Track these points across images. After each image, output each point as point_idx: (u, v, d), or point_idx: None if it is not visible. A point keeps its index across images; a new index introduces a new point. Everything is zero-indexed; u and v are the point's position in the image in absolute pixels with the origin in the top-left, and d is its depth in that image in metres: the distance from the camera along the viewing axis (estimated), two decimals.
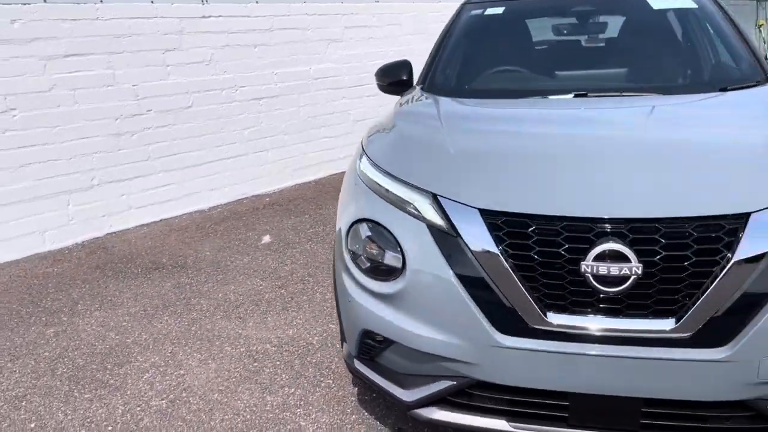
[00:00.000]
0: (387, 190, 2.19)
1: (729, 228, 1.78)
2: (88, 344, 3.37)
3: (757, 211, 1.80)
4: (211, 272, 4.26)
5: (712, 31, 3.15)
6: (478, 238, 1.91)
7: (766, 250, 1.75)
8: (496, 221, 1.91)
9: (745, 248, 1.75)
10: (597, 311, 1.83)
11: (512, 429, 1.98)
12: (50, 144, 4.83)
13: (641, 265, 1.77)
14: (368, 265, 2.16)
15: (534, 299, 1.85)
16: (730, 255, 1.75)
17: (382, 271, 2.11)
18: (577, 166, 2.05)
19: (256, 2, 6.05)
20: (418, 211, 2.06)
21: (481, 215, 1.94)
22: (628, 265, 1.77)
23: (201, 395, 2.84)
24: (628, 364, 1.80)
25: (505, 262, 1.86)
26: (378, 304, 2.11)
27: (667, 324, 1.78)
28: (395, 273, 2.06)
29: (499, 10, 3.46)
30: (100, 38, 5.01)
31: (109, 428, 2.63)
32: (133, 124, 5.25)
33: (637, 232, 1.80)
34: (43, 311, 3.82)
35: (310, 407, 2.70)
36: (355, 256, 2.21)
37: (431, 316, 1.98)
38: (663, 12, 3.28)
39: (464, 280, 1.92)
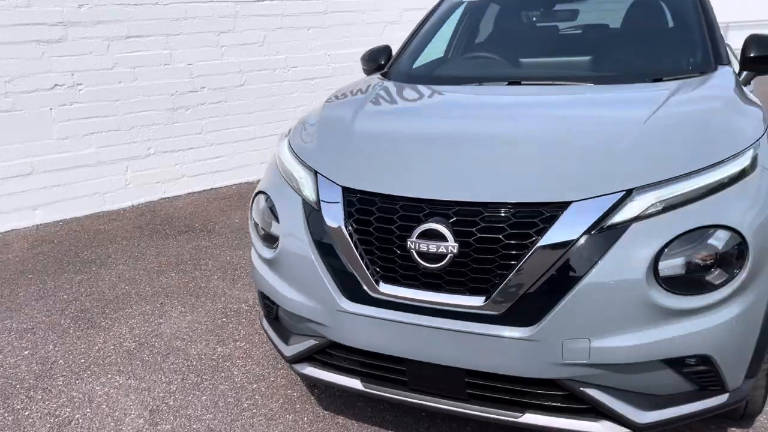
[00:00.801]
0: (284, 167, 2.43)
1: (547, 215, 1.87)
2: (100, 292, 3.87)
3: (579, 200, 1.87)
4: (230, 238, 4.67)
5: (675, 19, 3.08)
6: (332, 212, 2.12)
7: (572, 238, 1.82)
8: (352, 198, 2.11)
9: (554, 234, 1.83)
10: (421, 284, 1.98)
11: (364, 389, 2.18)
12: (112, 116, 5.43)
13: (457, 244, 1.90)
14: (263, 233, 2.42)
15: (370, 270, 2.03)
16: (538, 240, 1.84)
17: (269, 239, 2.37)
18: (434, 152, 2.19)
19: None
20: (299, 186, 2.29)
21: (343, 192, 2.14)
22: (445, 243, 1.91)
23: (166, 341, 3.23)
24: (446, 335, 1.94)
25: (347, 235, 2.06)
26: (266, 269, 2.37)
27: (478, 301, 1.91)
28: (276, 241, 2.31)
29: None
30: (159, 21, 5.53)
31: (82, 360, 3.08)
32: (188, 100, 5.76)
33: (461, 214, 1.94)
34: (79, 261, 4.38)
35: (249, 360, 3.01)
36: (256, 225, 2.48)
37: (296, 282, 2.21)
38: (636, 3, 3.24)
39: (319, 249, 2.13)
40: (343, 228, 2.07)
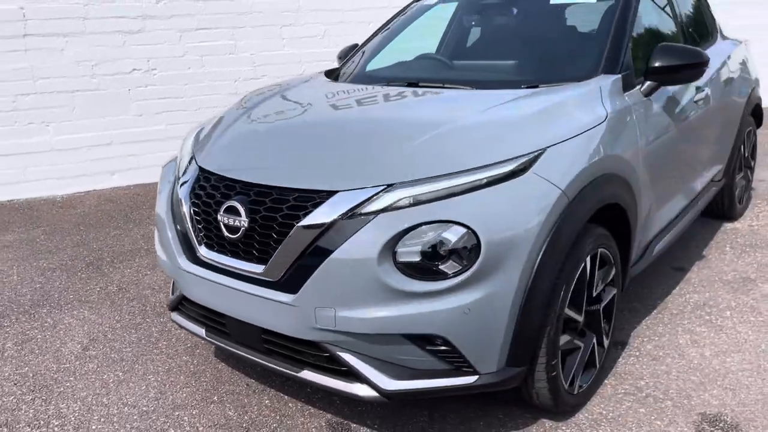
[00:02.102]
0: (181, 148, 2.93)
1: (318, 200, 2.20)
2: (120, 245, 4.63)
3: (344, 190, 2.18)
4: None
5: (583, 27, 3.15)
6: (185, 185, 2.59)
7: (327, 221, 2.14)
8: (200, 175, 2.56)
9: (312, 217, 2.16)
10: (227, 251, 2.39)
11: (207, 338, 2.62)
12: (180, 98, 6.23)
13: (248, 219, 2.30)
14: None
15: (196, 236, 2.48)
16: (300, 220, 2.18)
17: None
18: (258, 141, 2.58)
19: None
20: (180, 164, 2.78)
21: (200, 171, 2.60)
22: (239, 218, 2.31)
23: (139, 289, 3.87)
24: (243, 296, 2.33)
25: (185, 205, 2.52)
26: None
27: (260, 268, 2.28)
28: None
29: (432, 1, 3.79)
30: (226, 15, 6.24)
31: (71, 297, 3.80)
32: (249, 86, 6.42)
33: (258, 194, 2.32)
34: (124, 219, 5.20)
35: None
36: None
37: (161, 243, 2.70)
38: (555, 7, 3.33)
39: (173, 216, 2.61)
40: (185, 198, 2.52)
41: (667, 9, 3.57)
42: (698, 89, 3.43)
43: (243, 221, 2.28)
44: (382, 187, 2.14)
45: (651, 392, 2.70)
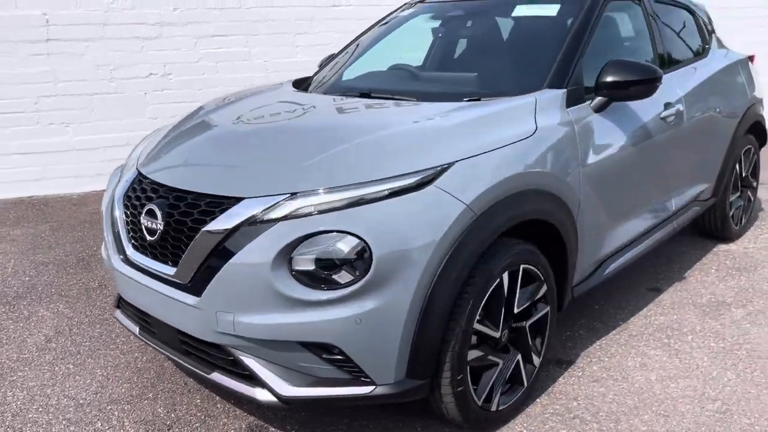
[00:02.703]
0: (131, 156, 3.03)
1: (226, 206, 2.26)
2: None
3: (250, 197, 2.24)
4: None
5: (535, 40, 3.12)
6: (122, 187, 2.69)
7: (228, 227, 2.20)
8: (137, 178, 2.66)
9: (216, 223, 2.22)
10: (147, 252, 2.47)
11: (139, 336, 2.71)
12: (195, 102, 6.39)
13: (163, 222, 2.37)
14: None
15: (125, 236, 2.57)
16: (205, 225, 2.25)
17: None
18: (187, 145, 2.65)
19: None
20: (123, 169, 2.89)
21: (137, 174, 2.70)
22: (156, 221, 2.39)
23: None
24: (159, 296, 2.41)
25: (117, 207, 2.62)
26: None
27: (171, 270, 2.35)
28: None
29: (410, 10, 3.81)
30: (241, 23, 6.40)
31: (52, 291, 3.97)
32: None
33: (176, 198, 2.39)
34: None
35: None
36: None
37: (105, 241, 2.81)
38: (514, 20, 3.30)
39: (111, 217, 2.71)
40: (118, 200, 2.62)
41: (641, 24, 3.49)
42: (667, 105, 3.33)
43: (159, 224, 2.36)
44: (286, 196, 2.18)
45: (580, 414, 2.64)
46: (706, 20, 4.23)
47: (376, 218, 2.12)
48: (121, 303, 2.81)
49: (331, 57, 3.91)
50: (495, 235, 2.31)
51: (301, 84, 3.58)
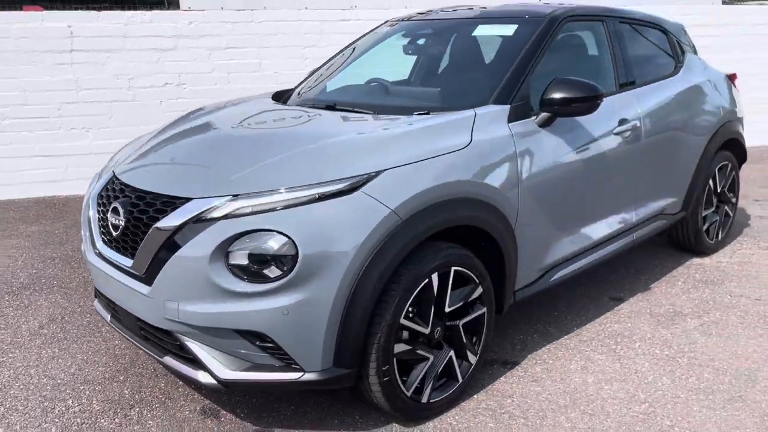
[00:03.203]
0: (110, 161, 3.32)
1: (177, 205, 2.52)
2: None
3: (198, 198, 2.49)
4: None
5: (489, 57, 3.31)
6: (96, 187, 2.98)
7: (175, 224, 2.45)
8: (111, 179, 2.94)
9: (165, 220, 2.48)
10: (112, 246, 2.75)
11: (110, 323, 2.98)
12: None
13: (125, 219, 2.65)
14: None
15: (97, 232, 2.85)
16: (156, 222, 2.51)
17: None
18: (163, 150, 2.92)
19: (405, 7, 7.07)
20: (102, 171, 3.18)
21: (112, 175, 2.98)
22: (119, 218, 2.67)
23: None
24: (120, 285, 2.68)
25: (92, 204, 2.90)
26: None
27: (130, 262, 2.62)
28: None
29: (387, 28, 4.05)
30: (253, 36, 6.73)
31: (48, 281, 4.31)
32: None
33: (137, 198, 2.66)
34: None
35: None
36: None
37: (84, 234, 3.10)
38: (477, 38, 3.50)
39: (89, 215, 3.00)
40: (93, 198, 2.91)
41: (602, 43, 3.65)
42: (623, 121, 3.48)
43: (121, 220, 2.63)
44: (228, 197, 2.42)
45: (511, 410, 2.81)
46: (681, 40, 4.36)
47: (305, 219, 2.34)
48: (97, 293, 3.08)
49: (313, 71, 4.16)
50: (421, 239, 2.51)
51: (281, 96, 3.83)
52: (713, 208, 4.47)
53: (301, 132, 2.97)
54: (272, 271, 2.32)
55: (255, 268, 2.33)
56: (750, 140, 8.12)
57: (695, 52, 4.55)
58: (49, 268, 4.54)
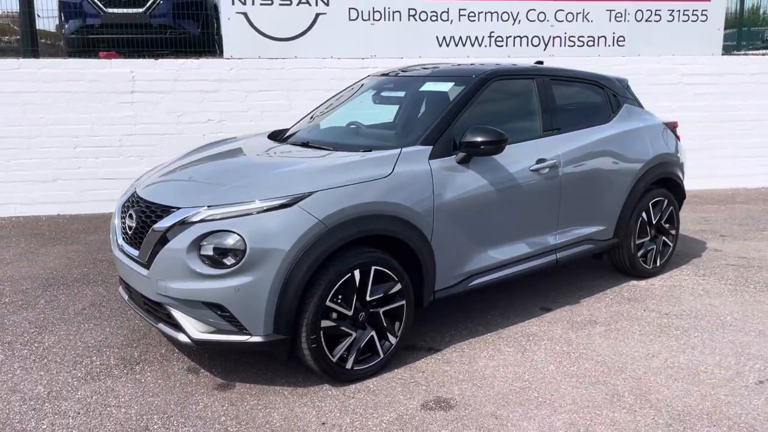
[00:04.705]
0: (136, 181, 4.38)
1: (170, 213, 3.52)
2: None
3: (183, 207, 3.48)
4: None
5: (428, 106, 4.22)
6: (120, 201, 4.03)
7: (165, 226, 3.44)
8: (133, 193, 3.99)
9: (159, 223, 3.48)
10: (128, 242, 3.78)
11: (127, 302, 3.99)
12: None
13: (136, 222, 3.68)
14: None
15: (120, 233, 3.90)
16: (154, 225, 3.52)
17: None
18: (171, 173, 3.94)
19: (419, 56, 8.07)
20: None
21: (134, 191, 4.04)
22: (132, 221, 3.70)
23: None
24: (132, 271, 3.70)
25: (117, 213, 3.96)
26: None
27: (137, 253, 3.64)
28: None
29: (364, 81, 5.03)
30: (283, 80, 7.84)
31: (105, 279, 5.41)
32: None
33: (148, 208, 3.68)
34: None
35: None
36: None
37: (111, 236, 4.15)
38: (424, 93, 4.42)
39: (114, 222, 4.05)
40: (117, 209, 3.96)
41: (531, 97, 4.49)
42: (541, 160, 4.30)
43: (134, 223, 3.65)
44: (204, 207, 3.40)
45: (418, 380, 3.64)
46: (619, 93, 5.13)
47: (255, 225, 3.28)
48: (120, 280, 4.12)
49: (305, 115, 5.16)
50: (343, 242, 3.40)
51: (277, 135, 4.84)
52: (648, 238, 5.17)
53: (267, 162, 3.96)
54: (228, 260, 3.26)
55: (217, 257, 3.28)
56: (749, 182, 8.70)
57: (638, 104, 5.31)
58: (97, 268, 5.65)
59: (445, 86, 4.29)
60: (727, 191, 9.02)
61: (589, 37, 8.55)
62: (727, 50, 9.39)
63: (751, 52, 10.16)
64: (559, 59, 8.43)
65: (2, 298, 4.90)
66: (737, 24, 10.51)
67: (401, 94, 4.71)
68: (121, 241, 3.82)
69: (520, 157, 4.17)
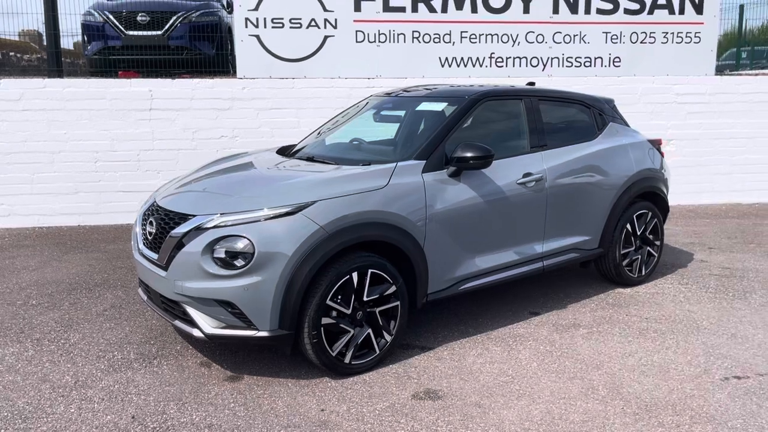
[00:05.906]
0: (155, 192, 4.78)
1: (187, 220, 3.91)
2: None
3: (198, 215, 3.86)
4: None
5: (426, 123, 4.60)
6: (141, 210, 4.43)
7: (181, 232, 3.81)
8: (153, 203, 4.39)
9: (176, 229, 3.87)
10: (148, 247, 4.16)
11: (146, 302, 4.38)
12: None
13: (155, 229, 4.07)
14: None
15: (141, 238, 4.29)
16: (172, 231, 3.90)
17: None
18: (187, 183, 4.33)
19: (423, 76, 8.48)
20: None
21: (154, 201, 4.43)
22: (152, 227, 4.09)
23: None
24: (152, 273, 4.08)
25: (138, 220, 4.35)
26: None
27: (156, 256, 4.02)
28: None
29: (368, 101, 5.43)
30: (293, 99, 8.26)
31: (123, 284, 5.81)
32: None
33: (167, 216, 4.07)
34: None
35: None
36: None
37: (132, 243, 4.55)
38: (421, 112, 4.81)
39: (135, 229, 4.44)
40: (139, 216, 4.35)
41: (520, 115, 4.85)
42: (527, 174, 4.66)
43: (154, 229, 4.05)
44: (217, 215, 3.78)
45: (410, 374, 3.98)
46: (605, 112, 5.49)
47: (262, 230, 3.65)
48: (139, 282, 4.50)
49: (312, 132, 5.55)
50: (342, 247, 3.76)
51: (286, 150, 5.24)
52: (633, 248, 5.50)
53: (275, 175, 4.34)
54: (239, 262, 3.63)
55: (228, 260, 3.65)
56: (743, 197, 9.01)
57: (624, 122, 5.66)
58: (117, 274, 6.05)
59: (439, 106, 4.66)
60: (722, 206, 9.32)
61: (586, 57, 8.92)
62: (720, 70, 9.71)
63: (753, 71, 10.49)
64: (557, 79, 8.81)
65: (29, 300, 5.29)
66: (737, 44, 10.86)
67: (401, 113, 5.09)
68: (141, 246, 4.20)
69: (507, 172, 4.52)
